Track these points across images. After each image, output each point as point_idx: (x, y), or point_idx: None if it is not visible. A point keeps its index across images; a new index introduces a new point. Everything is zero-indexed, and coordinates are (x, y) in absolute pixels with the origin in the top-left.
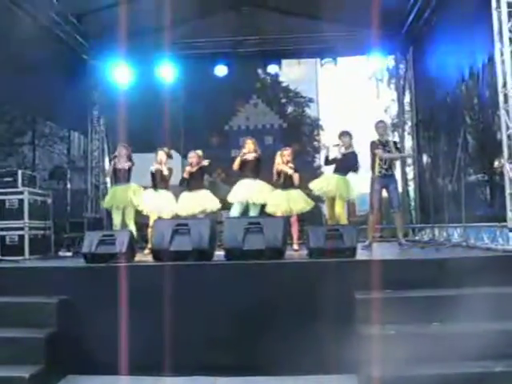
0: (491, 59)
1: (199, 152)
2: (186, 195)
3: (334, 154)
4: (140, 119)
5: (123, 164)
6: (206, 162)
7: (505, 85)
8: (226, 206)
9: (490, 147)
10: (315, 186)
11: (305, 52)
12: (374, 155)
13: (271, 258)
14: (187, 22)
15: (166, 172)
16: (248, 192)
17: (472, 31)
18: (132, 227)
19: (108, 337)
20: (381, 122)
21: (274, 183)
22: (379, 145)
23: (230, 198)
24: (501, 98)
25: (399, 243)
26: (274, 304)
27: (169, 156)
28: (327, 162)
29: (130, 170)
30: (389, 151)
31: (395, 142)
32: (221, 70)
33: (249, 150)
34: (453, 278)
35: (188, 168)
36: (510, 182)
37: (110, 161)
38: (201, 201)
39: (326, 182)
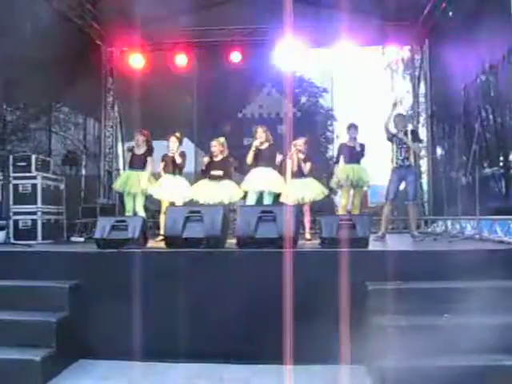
0: (510, 51)
1: (221, 139)
2: (205, 183)
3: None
4: (153, 106)
5: (140, 150)
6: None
7: None
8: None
9: (506, 140)
10: (339, 176)
11: (320, 41)
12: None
13: (283, 246)
14: (201, 9)
15: (178, 160)
16: (263, 181)
17: (490, 23)
18: (142, 215)
19: (119, 322)
20: (399, 115)
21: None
22: (395, 138)
23: (244, 187)
24: None
25: (412, 235)
26: (285, 293)
27: (179, 140)
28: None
29: (145, 156)
30: (404, 143)
31: (413, 132)
32: (234, 58)
33: (260, 139)
34: (465, 270)
35: (206, 159)
36: None
37: (130, 151)
38: (221, 192)
39: (350, 170)
